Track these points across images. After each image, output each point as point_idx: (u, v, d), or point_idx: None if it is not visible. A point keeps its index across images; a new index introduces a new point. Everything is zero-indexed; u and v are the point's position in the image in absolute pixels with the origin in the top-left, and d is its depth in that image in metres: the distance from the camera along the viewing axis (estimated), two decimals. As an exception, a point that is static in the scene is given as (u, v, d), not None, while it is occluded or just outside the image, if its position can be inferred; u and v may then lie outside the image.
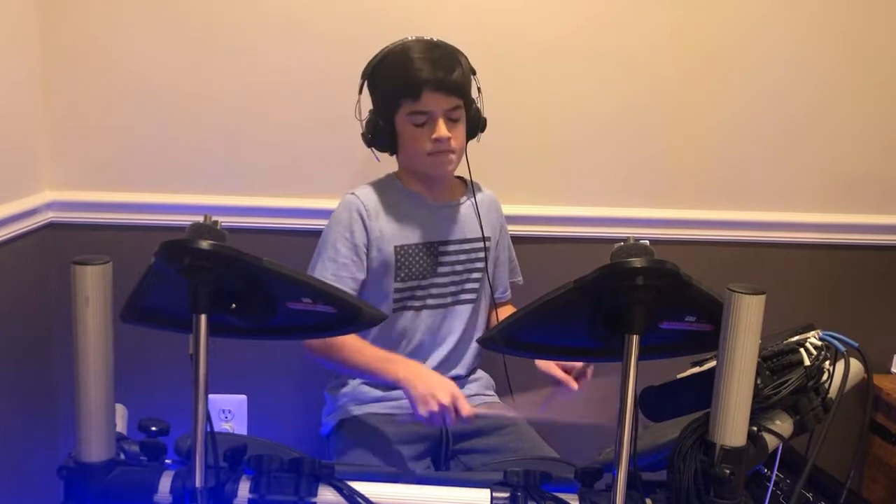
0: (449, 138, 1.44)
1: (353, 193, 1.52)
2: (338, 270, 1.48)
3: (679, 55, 1.86)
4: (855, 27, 1.87)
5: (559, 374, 1.45)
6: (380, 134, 1.48)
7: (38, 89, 1.74)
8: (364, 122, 1.50)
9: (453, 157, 1.48)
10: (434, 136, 1.43)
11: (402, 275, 1.50)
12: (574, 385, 1.45)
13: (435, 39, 1.47)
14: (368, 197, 1.52)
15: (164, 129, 1.79)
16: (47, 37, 1.72)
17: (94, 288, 0.93)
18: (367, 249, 1.49)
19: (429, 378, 1.36)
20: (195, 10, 1.74)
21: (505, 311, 1.68)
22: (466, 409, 1.31)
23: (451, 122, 1.45)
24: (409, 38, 1.46)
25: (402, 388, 1.36)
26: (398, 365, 1.41)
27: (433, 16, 1.78)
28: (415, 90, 1.40)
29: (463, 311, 1.56)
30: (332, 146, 1.83)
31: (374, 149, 1.51)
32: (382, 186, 1.55)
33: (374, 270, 1.50)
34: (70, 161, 1.79)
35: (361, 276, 1.49)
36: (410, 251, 1.51)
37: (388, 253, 1.49)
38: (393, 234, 1.50)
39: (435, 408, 1.29)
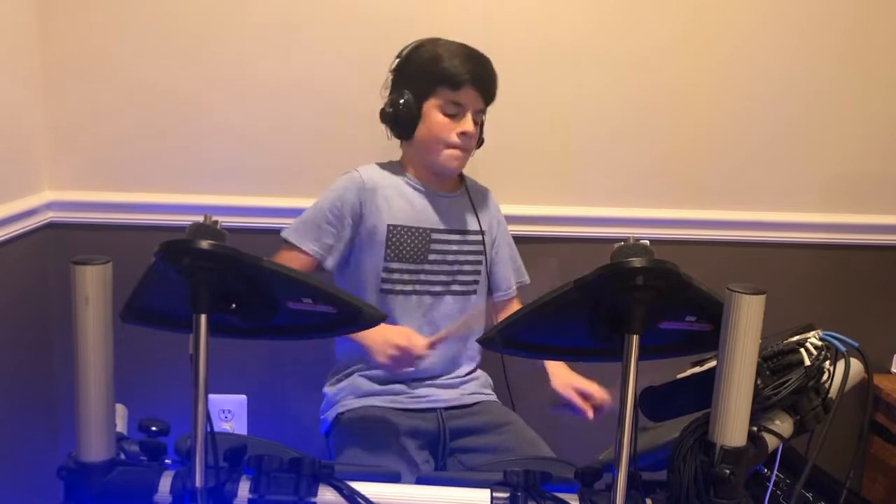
0: (473, 135, 1.49)
1: (355, 169, 1.55)
2: (308, 230, 1.50)
3: (679, 56, 1.86)
4: (855, 27, 1.87)
5: (574, 398, 1.48)
6: (402, 113, 1.49)
7: (39, 90, 1.74)
8: (389, 100, 1.51)
9: (467, 156, 1.53)
10: (461, 129, 1.48)
11: (392, 255, 1.51)
12: (590, 414, 1.47)
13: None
14: (370, 172, 1.54)
15: (164, 129, 1.79)
16: (47, 38, 1.72)
17: (94, 288, 0.93)
18: (359, 221, 1.51)
19: (383, 329, 1.39)
20: (194, 11, 1.74)
21: (508, 311, 1.69)
22: (420, 344, 1.36)
23: (474, 123, 1.50)
24: (445, 39, 1.51)
25: (359, 342, 1.40)
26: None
27: (437, 16, 1.78)
28: (457, 81, 1.45)
29: (453, 303, 1.56)
30: (332, 146, 1.83)
31: (388, 127, 1.53)
32: (385, 167, 1.58)
33: (365, 245, 1.51)
34: (70, 161, 1.79)
35: (331, 242, 1.51)
36: (403, 232, 1.51)
37: (381, 230, 1.50)
38: (388, 211, 1.51)
39: (395, 352, 1.36)
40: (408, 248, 1.52)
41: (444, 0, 1.78)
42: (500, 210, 1.68)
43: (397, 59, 1.52)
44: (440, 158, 1.50)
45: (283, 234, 1.52)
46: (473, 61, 1.48)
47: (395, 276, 1.52)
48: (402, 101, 1.48)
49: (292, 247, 1.51)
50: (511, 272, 1.69)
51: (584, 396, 1.47)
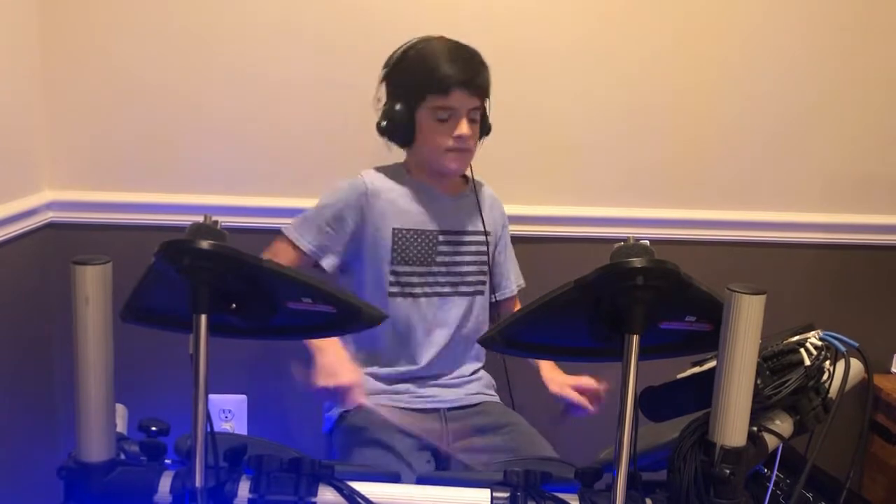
0: (469, 136, 1.47)
1: (360, 174, 1.54)
2: (308, 228, 1.50)
3: (680, 56, 1.86)
4: (856, 27, 1.87)
5: (573, 396, 1.49)
6: (397, 124, 1.49)
7: (38, 89, 1.74)
8: (381, 111, 1.51)
9: (469, 155, 1.52)
10: (456, 133, 1.46)
11: (399, 258, 1.51)
12: (590, 407, 1.48)
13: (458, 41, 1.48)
14: (374, 177, 1.54)
15: (164, 129, 1.79)
16: (47, 37, 1.72)
17: (94, 288, 0.93)
18: (362, 225, 1.51)
19: (341, 358, 1.39)
20: (194, 11, 1.74)
21: (510, 310, 1.69)
22: (359, 399, 1.34)
23: (471, 121, 1.48)
24: (433, 36, 1.48)
25: (314, 354, 1.38)
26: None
27: (440, 17, 1.78)
28: (444, 86, 1.43)
29: (460, 303, 1.57)
30: (332, 146, 1.83)
31: (387, 139, 1.52)
32: (390, 171, 1.57)
33: (370, 249, 1.51)
34: (70, 161, 1.79)
35: (328, 243, 1.51)
36: (409, 236, 1.51)
37: (386, 234, 1.50)
38: (393, 216, 1.51)
39: (333, 387, 1.33)
40: (415, 251, 1.52)
41: (447, 0, 1.78)
42: (504, 214, 1.68)
43: (385, 69, 1.51)
44: (441, 162, 1.50)
45: (283, 229, 1.53)
46: (460, 62, 1.44)
47: (403, 279, 1.52)
48: (395, 113, 1.47)
49: (288, 241, 1.51)
50: (510, 274, 1.69)
51: (581, 391, 1.49)
